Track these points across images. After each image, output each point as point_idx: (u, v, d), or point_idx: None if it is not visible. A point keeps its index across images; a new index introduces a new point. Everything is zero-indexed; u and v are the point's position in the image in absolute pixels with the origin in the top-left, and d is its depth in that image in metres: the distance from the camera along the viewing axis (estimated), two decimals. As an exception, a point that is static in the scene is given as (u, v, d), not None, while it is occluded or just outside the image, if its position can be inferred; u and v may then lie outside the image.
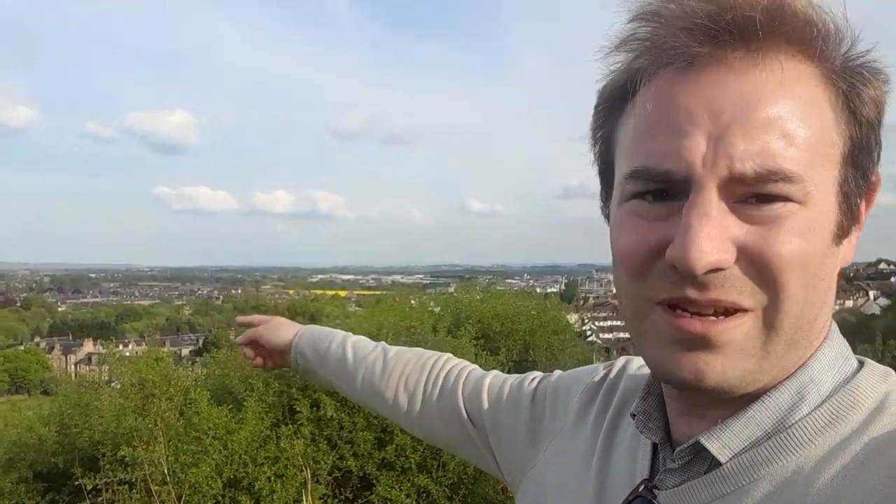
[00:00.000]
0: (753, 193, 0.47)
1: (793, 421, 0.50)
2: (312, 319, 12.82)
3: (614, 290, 0.56)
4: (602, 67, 0.53)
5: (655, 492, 0.56)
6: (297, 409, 5.55)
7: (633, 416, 0.61)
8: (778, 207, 0.47)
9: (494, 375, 0.93)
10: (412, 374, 1.00)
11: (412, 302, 9.07)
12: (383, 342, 1.11)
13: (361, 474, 5.45)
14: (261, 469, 5.12)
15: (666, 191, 0.49)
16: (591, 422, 0.72)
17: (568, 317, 11.56)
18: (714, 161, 0.46)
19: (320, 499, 5.14)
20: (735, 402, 0.52)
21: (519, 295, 10.62)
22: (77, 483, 4.89)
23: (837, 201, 0.50)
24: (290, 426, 5.47)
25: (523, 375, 0.89)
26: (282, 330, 1.17)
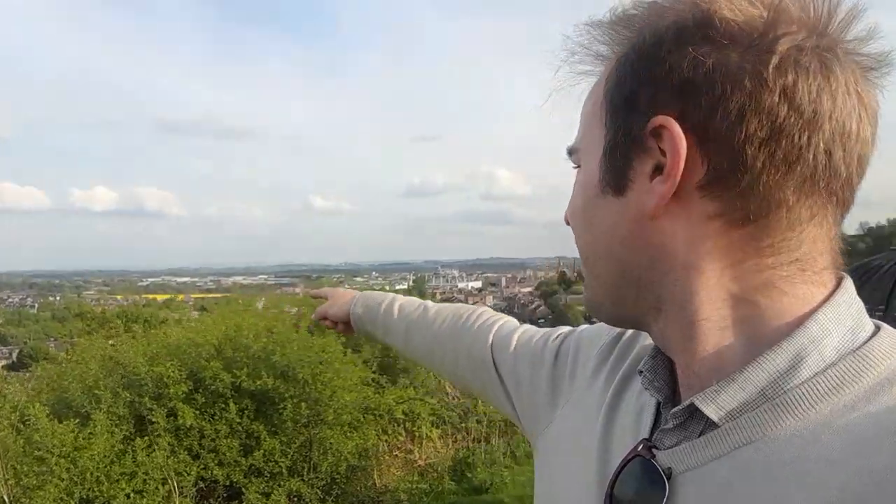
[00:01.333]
0: (576, 166, 0.63)
1: (792, 385, 0.49)
2: (147, 326, 11.86)
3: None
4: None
5: (654, 451, 0.56)
6: (152, 419, 5.20)
7: (641, 372, 0.62)
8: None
9: (524, 330, 0.96)
10: (449, 330, 1.06)
11: (259, 303, 8.74)
12: (428, 301, 1.19)
13: (228, 483, 5.21)
14: (117, 486, 4.72)
15: None
16: (602, 380, 0.73)
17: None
18: None
19: (185, 512, 4.84)
20: (684, 351, 0.56)
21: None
22: None
23: (601, 160, 0.57)
24: (146, 438, 5.11)
25: (550, 331, 0.91)
26: (340, 302, 1.30)
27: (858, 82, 0.51)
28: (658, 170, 0.52)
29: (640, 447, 0.58)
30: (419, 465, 7.02)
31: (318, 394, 5.63)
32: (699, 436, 0.54)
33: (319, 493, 5.42)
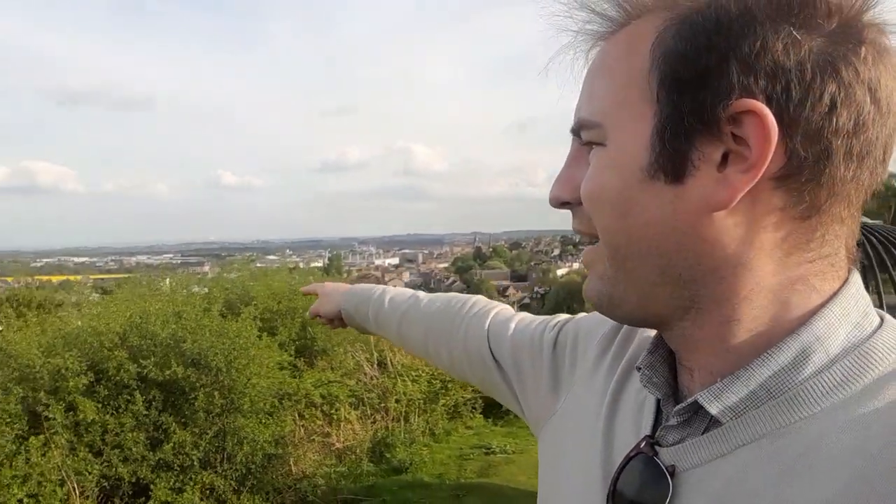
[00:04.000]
0: (587, 142, 0.56)
1: (796, 381, 0.49)
2: (42, 310, 10.98)
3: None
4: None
5: (657, 448, 0.56)
6: (49, 415, 4.83)
7: (639, 369, 0.60)
8: (593, 151, 0.55)
9: (521, 318, 0.93)
10: (441, 321, 1.03)
11: (165, 283, 8.21)
12: (419, 292, 1.15)
13: (134, 480, 4.93)
14: (8, 491, 4.36)
15: None
16: (603, 372, 0.70)
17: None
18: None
19: (87, 514, 4.55)
20: (706, 351, 0.53)
21: (296, 272, 10.44)
22: None
23: (651, 141, 0.50)
24: (42, 436, 4.75)
25: (547, 319, 0.88)
26: (330, 300, 1.28)
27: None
28: (725, 158, 0.48)
29: (643, 444, 0.57)
30: (337, 449, 6.91)
31: (232, 382, 5.39)
32: (703, 433, 0.53)
33: (234, 484, 5.22)
